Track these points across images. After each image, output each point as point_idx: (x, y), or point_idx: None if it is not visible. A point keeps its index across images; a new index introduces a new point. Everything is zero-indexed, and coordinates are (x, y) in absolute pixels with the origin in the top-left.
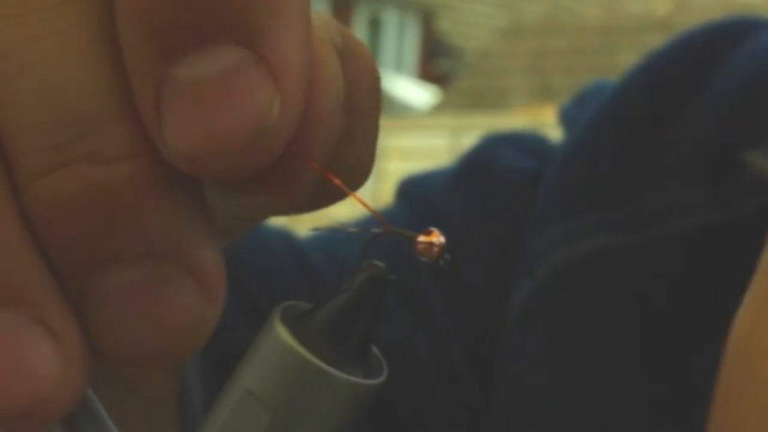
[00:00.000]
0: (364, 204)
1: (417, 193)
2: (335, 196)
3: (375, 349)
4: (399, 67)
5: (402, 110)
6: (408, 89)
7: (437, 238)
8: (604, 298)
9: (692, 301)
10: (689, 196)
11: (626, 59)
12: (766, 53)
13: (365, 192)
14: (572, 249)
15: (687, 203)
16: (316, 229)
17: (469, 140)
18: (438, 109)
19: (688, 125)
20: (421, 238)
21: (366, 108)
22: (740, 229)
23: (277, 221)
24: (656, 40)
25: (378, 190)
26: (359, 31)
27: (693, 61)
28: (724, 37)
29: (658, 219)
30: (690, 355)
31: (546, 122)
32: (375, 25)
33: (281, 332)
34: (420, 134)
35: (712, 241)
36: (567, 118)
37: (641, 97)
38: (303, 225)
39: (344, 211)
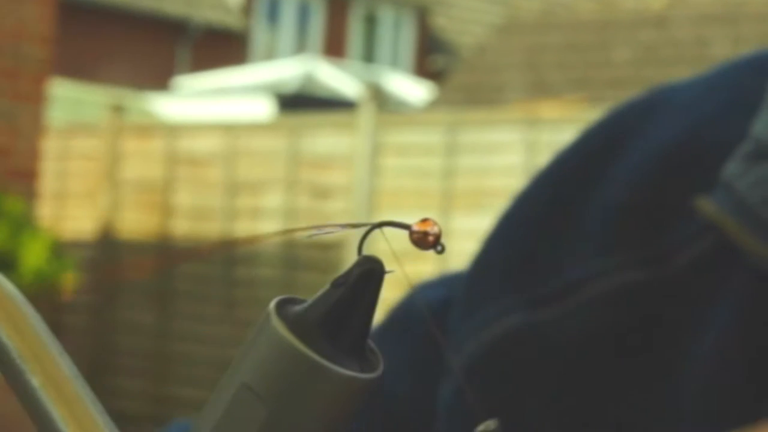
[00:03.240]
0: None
1: None
2: None
3: (371, 343)
4: (394, 64)
5: (398, 106)
6: (403, 85)
7: (432, 227)
8: (522, 377)
9: (624, 360)
10: (604, 263)
11: (621, 55)
12: (674, 120)
13: (363, 188)
14: (481, 336)
15: (602, 269)
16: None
17: (464, 136)
18: (434, 105)
19: (601, 198)
20: (416, 228)
21: None
22: (674, 283)
23: (277, 220)
24: (651, 36)
25: (375, 186)
26: (355, 27)
27: (599, 144)
28: (635, 110)
29: (571, 290)
30: (625, 411)
31: (541, 118)
32: (370, 22)
33: (278, 326)
34: (416, 130)
35: (641, 299)
36: None
37: (546, 183)
38: (302, 225)
39: (339, 206)
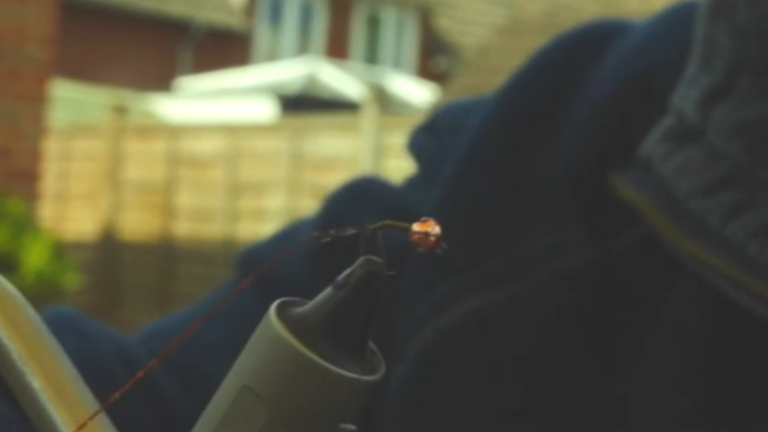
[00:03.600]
0: None
1: (267, 274)
2: None
3: (372, 345)
4: (398, 65)
5: (401, 108)
6: (407, 87)
7: (433, 228)
8: (481, 364)
9: (584, 342)
10: (563, 236)
11: None
12: (618, 70)
13: None
14: (438, 321)
15: (561, 243)
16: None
17: None
18: (436, 106)
19: (552, 161)
20: (416, 228)
21: None
22: (623, 262)
23: (279, 222)
24: None
25: None
26: (357, 29)
27: (548, 86)
28: (581, 53)
29: (529, 266)
30: (590, 395)
31: None
32: (374, 23)
33: (278, 328)
34: None
35: (596, 277)
36: (417, 148)
37: (497, 143)
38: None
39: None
